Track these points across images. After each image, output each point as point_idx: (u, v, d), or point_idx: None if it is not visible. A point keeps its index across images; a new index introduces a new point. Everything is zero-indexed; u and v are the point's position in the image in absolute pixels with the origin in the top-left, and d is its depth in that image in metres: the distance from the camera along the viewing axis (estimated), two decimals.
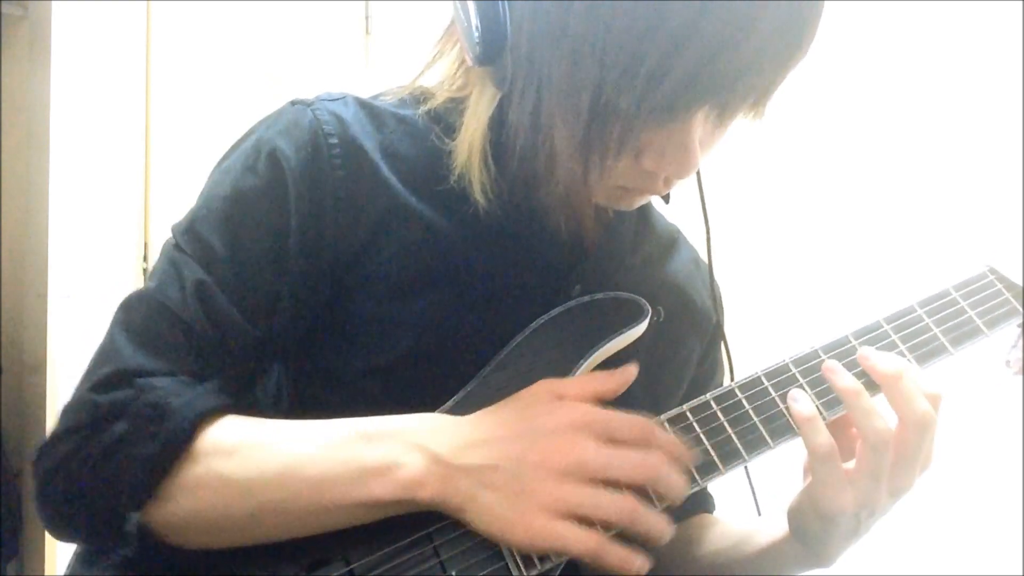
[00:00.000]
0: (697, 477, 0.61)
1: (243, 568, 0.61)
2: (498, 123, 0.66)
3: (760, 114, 0.61)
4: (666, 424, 0.63)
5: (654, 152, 0.60)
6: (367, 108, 0.71)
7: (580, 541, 0.56)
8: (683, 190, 0.69)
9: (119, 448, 0.59)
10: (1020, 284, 0.70)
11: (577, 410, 0.60)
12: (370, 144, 0.68)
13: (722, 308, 0.83)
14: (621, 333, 0.67)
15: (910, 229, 1.75)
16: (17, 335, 1.79)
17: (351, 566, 0.59)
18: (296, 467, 0.59)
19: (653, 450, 0.59)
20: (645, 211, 0.80)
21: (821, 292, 1.81)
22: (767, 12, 0.53)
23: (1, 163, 1.81)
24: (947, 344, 0.67)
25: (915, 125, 1.77)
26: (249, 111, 0.75)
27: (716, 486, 0.71)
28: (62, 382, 1.74)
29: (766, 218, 1.92)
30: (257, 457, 0.60)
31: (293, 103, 0.70)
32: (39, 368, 1.74)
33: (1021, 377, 0.77)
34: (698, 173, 0.72)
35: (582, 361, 0.66)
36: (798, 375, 0.65)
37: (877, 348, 0.66)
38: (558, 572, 0.58)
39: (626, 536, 0.57)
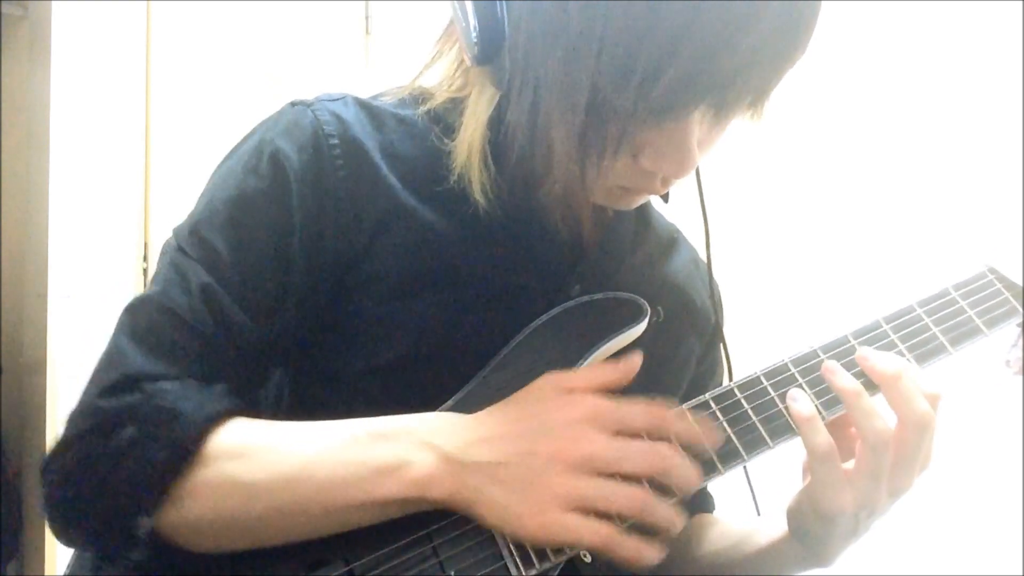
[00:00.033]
0: None
1: (243, 568, 0.61)
2: (497, 123, 0.66)
3: (759, 113, 0.61)
4: (688, 412, 0.63)
5: (652, 151, 0.60)
6: (367, 108, 0.71)
7: (594, 533, 0.56)
8: (682, 189, 0.69)
9: (129, 453, 0.59)
10: (1020, 284, 0.70)
11: (586, 402, 0.60)
12: (370, 144, 0.68)
13: (721, 308, 0.83)
14: (620, 333, 0.67)
15: (909, 229, 1.75)
16: (17, 335, 1.79)
17: (351, 566, 0.59)
18: (306, 468, 0.59)
19: (663, 443, 0.59)
20: (644, 211, 0.80)
21: (820, 292, 1.81)
22: (764, 11, 0.53)
23: (1, 163, 1.81)
24: (946, 344, 0.67)
25: (915, 125, 1.77)
26: (249, 111, 0.75)
27: (716, 486, 0.71)
28: (62, 382, 1.74)
29: (765, 218, 1.92)
30: (267, 459, 0.60)
31: (293, 104, 0.70)
32: (39, 368, 1.74)
33: (1021, 377, 0.77)
34: (697, 173, 0.72)
35: (582, 361, 0.66)
36: (797, 375, 0.65)
37: (876, 348, 0.66)
38: (556, 572, 0.58)
39: (637, 527, 0.57)
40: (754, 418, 0.63)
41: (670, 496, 0.59)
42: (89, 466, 0.60)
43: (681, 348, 0.79)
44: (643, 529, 0.57)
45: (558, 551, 0.58)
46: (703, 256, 0.81)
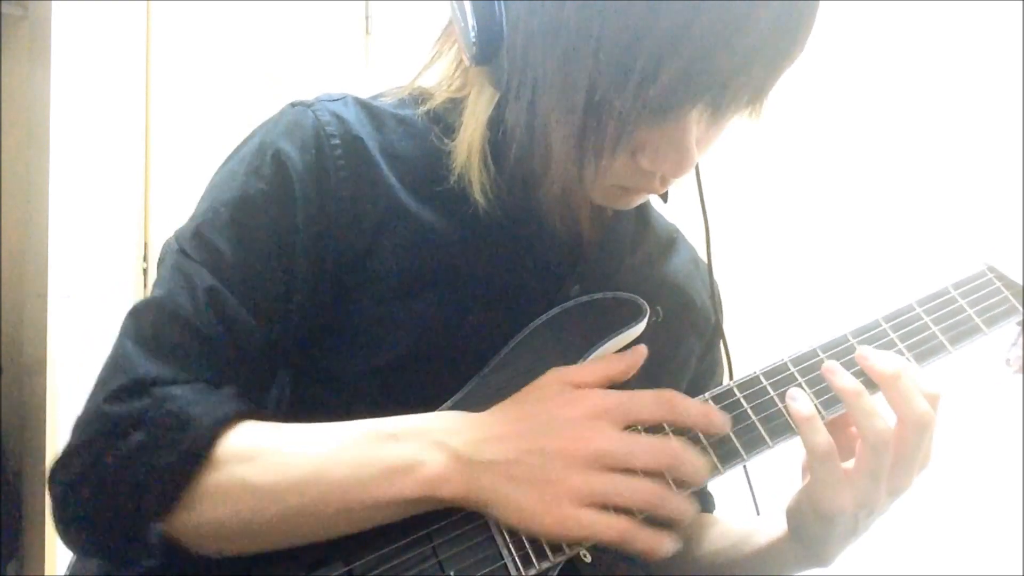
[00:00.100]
0: None
1: (243, 569, 0.61)
2: (497, 123, 0.66)
3: (757, 112, 0.61)
4: (709, 400, 0.63)
5: (650, 151, 0.60)
6: (367, 108, 0.71)
7: (611, 527, 0.56)
8: (682, 189, 0.69)
9: (139, 458, 0.59)
10: (1019, 282, 0.70)
11: (594, 397, 0.60)
12: (371, 144, 0.68)
13: (721, 307, 0.83)
14: (620, 333, 0.67)
15: (909, 228, 1.75)
16: (17, 335, 1.79)
17: (350, 566, 0.59)
18: (318, 470, 0.59)
19: (673, 437, 0.60)
20: (644, 210, 0.80)
21: (820, 291, 1.81)
22: (762, 10, 0.53)
23: (1, 163, 1.81)
24: (946, 343, 0.67)
25: (914, 124, 1.77)
26: (249, 111, 0.75)
27: (716, 486, 0.71)
28: (62, 382, 1.74)
29: (765, 217, 1.92)
30: (279, 462, 0.60)
31: (293, 105, 0.70)
32: (39, 368, 1.74)
33: (1021, 376, 0.76)
34: (697, 172, 0.72)
35: (581, 361, 0.66)
36: (797, 374, 0.65)
37: (876, 347, 0.66)
38: (556, 572, 0.58)
39: (649, 520, 0.58)
40: (753, 418, 0.63)
41: (680, 488, 0.59)
42: (99, 473, 0.60)
43: (681, 348, 0.79)
44: (655, 521, 0.58)
45: (558, 550, 0.58)
46: (703, 256, 0.81)
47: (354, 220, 0.66)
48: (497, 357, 0.67)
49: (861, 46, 1.80)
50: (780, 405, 0.64)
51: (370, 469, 0.58)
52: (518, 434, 0.59)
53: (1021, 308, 0.70)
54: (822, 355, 0.66)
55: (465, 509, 0.59)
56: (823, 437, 0.61)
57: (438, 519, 0.60)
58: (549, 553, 0.58)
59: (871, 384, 0.63)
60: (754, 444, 0.62)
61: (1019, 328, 0.75)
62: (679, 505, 0.58)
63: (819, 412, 0.63)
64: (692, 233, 0.85)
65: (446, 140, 0.68)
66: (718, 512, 0.87)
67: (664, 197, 0.75)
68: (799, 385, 0.64)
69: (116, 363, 0.63)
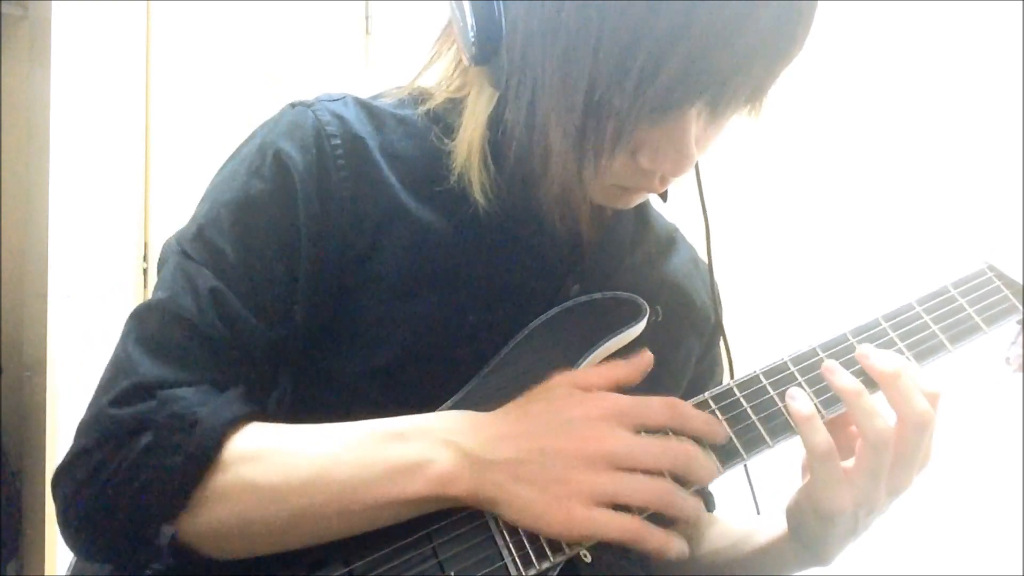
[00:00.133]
0: None
1: (242, 570, 0.61)
2: (496, 123, 0.66)
3: (757, 111, 0.61)
4: (709, 400, 0.63)
5: (649, 150, 0.60)
6: (367, 109, 0.71)
7: (621, 527, 0.56)
8: (682, 188, 0.69)
9: (146, 461, 0.59)
10: (1019, 281, 0.70)
11: (605, 400, 0.60)
12: (371, 144, 0.68)
13: (721, 307, 0.83)
14: (620, 332, 0.67)
15: (909, 227, 1.75)
16: (17, 335, 1.79)
17: (350, 567, 0.59)
18: (326, 470, 0.59)
19: (683, 438, 0.60)
20: (643, 210, 0.80)
21: (820, 291, 1.81)
22: (761, 9, 0.53)
23: (1, 163, 1.81)
24: (946, 342, 0.67)
25: (914, 124, 1.77)
26: (249, 111, 0.75)
27: (716, 486, 0.71)
28: (62, 382, 1.74)
29: (765, 217, 1.92)
30: (286, 463, 0.59)
31: (293, 105, 0.70)
32: (39, 368, 1.74)
33: (1021, 374, 0.76)
34: (697, 171, 0.72)
35: (581, 361, 0.66)
36: (796, 374, 0.65)
37: (876, 346, 0.66)
38: (556, 572, 0.58)
39: (657, 519, 0.58)
40: (753, 417, 0.63)
41: (687, 487, 0.60)
42: (105, 476, 0.59)
43: (680, 348, 0.79)
44: (662, 520, 0.58)
45: (558, 551, 0.58)
46: (703, 255, 0.81)
47: (355, 220, 0.66)
48: (497, 357, 0.67)
49: (861, 45, 1.80)
50: (780, 405, 0.64)
51: (378, 468, 0.58)
52: (527, 433, 0.59)
53: (1021, 307, 0.70)
54: (822, 354, 0.66)
55: (466, 509, 0.59)
56: (823, 437, 0.61)
57: (438, 519, 0.59)
58: (549, 553, 0.58)
59: (871, 383, 0.63)
60: (754, 444, 0.63)
61: (1019, 327, 0.75)
62: (689, 503, 0.58)
63: (819, 411, 0.63)
64: (692, 233, 0.84)
65: (446, 140, 0.68)
66: (718, 512, 0.87)
67: (664, 196, 0.75)
68: (799, 384, 0.64)
69: (119, 366, 0.63)
